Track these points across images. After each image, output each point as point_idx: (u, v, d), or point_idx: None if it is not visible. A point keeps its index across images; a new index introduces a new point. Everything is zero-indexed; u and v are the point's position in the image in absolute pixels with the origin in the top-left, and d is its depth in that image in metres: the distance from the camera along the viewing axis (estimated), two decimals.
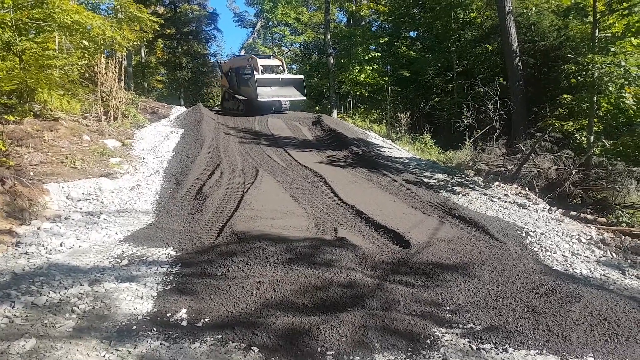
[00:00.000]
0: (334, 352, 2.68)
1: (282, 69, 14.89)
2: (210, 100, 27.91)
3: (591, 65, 8.69)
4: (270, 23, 27.21)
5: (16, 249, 4.04)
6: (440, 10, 17.56)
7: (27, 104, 7.78)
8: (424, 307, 3.28)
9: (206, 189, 6.03)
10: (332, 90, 18.86)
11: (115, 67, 10.10)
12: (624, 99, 8.74)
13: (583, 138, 10.45)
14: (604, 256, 4.63)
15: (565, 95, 12.06)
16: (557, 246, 4.79)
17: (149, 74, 28.07)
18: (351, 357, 2.66)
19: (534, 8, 14.38)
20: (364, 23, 23.81)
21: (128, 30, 12.62)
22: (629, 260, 4.54)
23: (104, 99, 9.89)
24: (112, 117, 9.83)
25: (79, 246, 4.24)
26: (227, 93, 15.88)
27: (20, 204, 4.78)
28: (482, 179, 7.85)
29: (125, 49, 12.53)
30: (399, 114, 14.65)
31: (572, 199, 7.39)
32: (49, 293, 3.21)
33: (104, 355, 2.59)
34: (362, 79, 17.98)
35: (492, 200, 6.61)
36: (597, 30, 9.10)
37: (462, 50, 16.97)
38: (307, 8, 27.74)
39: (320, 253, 4.01)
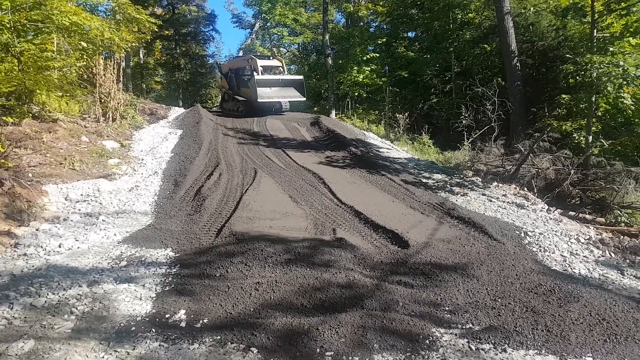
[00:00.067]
0: (333, 353, 2.68)
1: (282, 69, 14.87)
2: (209, 101, 27.89)
3: (589, 65, 8.71)
4: (268, 24, 27.22)
5: (15, 251, 4.03)
6: (439, 11, 17.57)
7: (26, 106, 7.77)
8: (422, 308, 3.28)
9: (205, 190, 6.03)
10: (330, 91, 18.86)
11: (113, 68, 10.09)
12: (622, 99, 8.76)
13: (581, 138, 10.46)
14: (603, 256, 4.64)
15: (564, 96, 12.08)
16: (555, 246, 4.80)
17: (147, 75, 28.05)
18: (350, 358, 2.66)
19: (532, 8, 14.40)
20: (362, 24, 23.81)
21: (126, 32, 12.59)
22: (627, 260, 4.55)
23: (103, 100, 9.88)
24: (110, 119, 9.83)
25: (78, 247, 4.23)
26: (226, 94, 15.85)
27: (19, 205, 4.78)
28: (480, 179, 7.86)
29: (123, 50, 12.52)
30: (398, 115, 14.65)
31: (570, 199, 7.40)
32: (48, 294, 3.21)
33: (103, 357, 2.58)
34: (361, 80, 17.98)
35: (491, 201, 6.62)
36: (595, 30, 9.12)
37: (461, 50, 16.98)
38: (305, 9, 27.74)
39: (319, 254, 4.01)
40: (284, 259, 3.90)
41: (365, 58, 18.20)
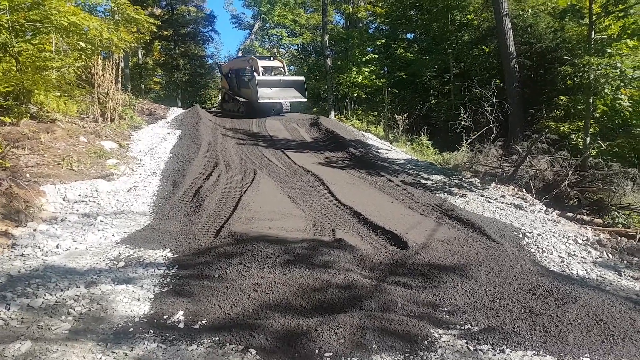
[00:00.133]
0: (331, 354, 2.67)
1: (282, 70, 14.84)
2: (208, 102, 27.89)
3: (587, 67, 8.74)
4: (267, 25, 27.25)
5: (12, 251, 4.01)
6: (437, 12, 17.62)
7: (24, 106, 7.75)
8: (421, 308, 3.28)
9: (203, 191, 6.02)
10: (329, 92, 18.88)
11: (112, 68, 10.08)
12: (620, 101, 8.77)
13: (579, 139, 10.49)
14: (600, 257, 4.66)
15: (562, 97, 12.11)
16: (553, 247, 4.81)
17: (146, 75, 28.01)
18: (349, 359, 2.65)
19: (530, 10, 14.44)
20: (361, 25, 23.85)
21: (125, 32, 12.59)
22: (625, 261, 4.56)
23: (101, 101, 9.86)
24: (109, 119, 9.81)
25: (75, 248, 4.22)
26: (227, 94, 15.79)
27: (17, 205, 4.76)
28: (479, 181, 7.88)
29: (122, 50, 12.51)
30: (397, 116, 14.67)
31: (568, 200, 7.42)
32: (45, 295, 3.20)
33: (100, 358, 2.57)
34: (360, 81, 18.01)
35: (489, 202, 6.63)
36: (593, 32, 9.15)
37: (459, 52, 17.02)
38: (305, 10, 27.78)
39: (318, 254, 4.01)
40: (283, 260, 3.89)
41: (364, 59, 18.23)
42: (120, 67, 11.09)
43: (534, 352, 2.80)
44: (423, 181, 7.69)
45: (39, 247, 4.10)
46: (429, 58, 17.99)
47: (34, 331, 2.75)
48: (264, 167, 7.78)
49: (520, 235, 5.10)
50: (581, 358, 2.76)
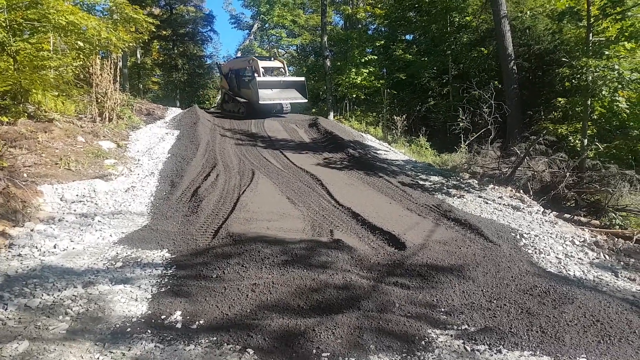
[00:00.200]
0: (329, 354, 2.68)
1: (283, 71, 14.79)
2: (207, 102, 27.87)
3: (585, 69, 8.77)
4: (266, 25, 27.28)
5: (9, 251, 4.00)
6: (436, 14, 17.67)
7: (21, 105, 7.73)
8: (419, 309, 3.29)
9: (202, 191, 6.01)
10: (328, 93, 18.89)
11: (110, 68, 10.06)
12: (617, 103, 8.82)
13: (577, 141, 10.53)
14: (597, 258, 4.67)
15: (560, 99, 12.15)
16: (551, 248, 4.82)
17: (144, 75, 27.97)
18: (346, 359, 2.66)
19: (528, 12, 14.49)
20: (360, 26, 23.90)
21: (123, 32, 12.56)
22: (621, 262, 4.58)
23: (99, 100, 9.85)
24: (107, 119, 9.79)
25: (73, 248, 4.21)
26: (227, 95, 15.69)
27: (14, 205, 4.75)
28: (477, 182, 7.90)
29: (120, 50, 12.49)
30: (395, 117, 14.69)
31: (566, 201, 7.45)
32: (42, 295, 3.19)
33: (98, 358, 2.57)
34: (359, 82, 18.03)
35: (487, 203, 6.65)
36: (591, 34, 9.18)
37: (458, 53, 17.06)
38: (304, 10, 27.81)
39: (316, 255, 4.01)
40: (281, 261, 3.90)
41: (363, 60, 18.26)
42: (118, 67, 11.08)
43: (530, 352, 2.81)
44: (421, 182, 7.71)
45: (37, 247, 4.09)
46: (428, 59, 18.03)
47: (31, 331, 2.75)
48: (262, 168, 7.78)
49: (518, 237, 5.11)
50: (577, 358, 2.77)
